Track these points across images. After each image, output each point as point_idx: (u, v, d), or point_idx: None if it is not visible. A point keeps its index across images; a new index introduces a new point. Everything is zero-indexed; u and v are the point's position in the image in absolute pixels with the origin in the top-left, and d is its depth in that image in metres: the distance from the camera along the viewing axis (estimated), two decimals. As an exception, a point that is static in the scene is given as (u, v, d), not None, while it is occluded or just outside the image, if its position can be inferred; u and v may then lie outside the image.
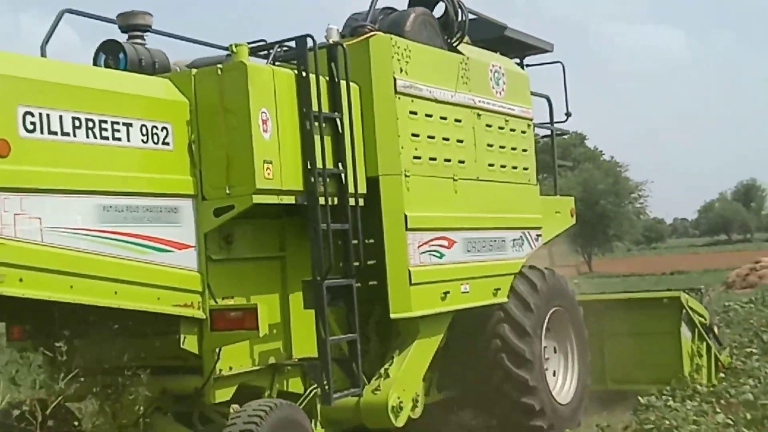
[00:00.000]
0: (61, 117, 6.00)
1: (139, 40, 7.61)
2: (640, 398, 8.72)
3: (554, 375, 9.88)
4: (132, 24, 7.62)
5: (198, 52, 8.24)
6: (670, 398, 9.02)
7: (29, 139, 5.81)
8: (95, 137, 6.21)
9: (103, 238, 6.16)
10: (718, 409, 8.30)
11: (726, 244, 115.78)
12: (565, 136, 12.57)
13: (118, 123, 6.35)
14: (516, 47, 10.67)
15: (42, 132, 5.88)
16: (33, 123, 5.83)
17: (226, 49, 7.74)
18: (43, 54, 7.53)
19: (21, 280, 5.67)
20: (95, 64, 7.45)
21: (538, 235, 9.94)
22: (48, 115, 5.92)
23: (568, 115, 11.20)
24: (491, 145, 9.30)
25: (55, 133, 5.97)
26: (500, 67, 9.61)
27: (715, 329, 11.91)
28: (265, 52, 7.76)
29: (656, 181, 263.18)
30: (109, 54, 7.45)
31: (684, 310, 10.87)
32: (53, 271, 5.86)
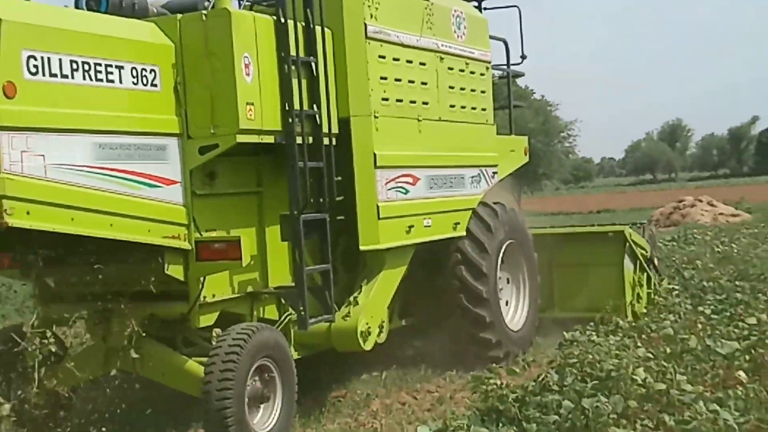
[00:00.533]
0: (60, 60, 6.32)
1: (118, -18, 7.81)
2: (564, 333, 9.08)
3: (507, 304, 10.46)
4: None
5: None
6: (593, 333, 9.16)
7: (33, 81, 6.13)
8: (91, 79, 6.53)
9: (99, 174, 6.52)
10: (639, 344, 8.30)
11: (651, 184, 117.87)
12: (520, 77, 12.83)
13: (111, 66, 6.67)
14: (475, -9, 11.00)
15: (44, 75, 6.20)
16: (36, 66, 6.15)
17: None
18: None
19: (28, 212, 6.03)
20: (77, 6, 7.55)
21: (495, 173, 10.45)
22: (49, 59, 6.24)
23: (523, 57, 11.59)
24: (452, 87, 9.73)
25: (56, 76, 6.29)
26: (461, 12, 9.99)
27: (656, 261, 12.50)
28: None
29: (585, 121, 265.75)
30: None
31: (627, 243, 11.40)
32: (56, 204, 6.22)
